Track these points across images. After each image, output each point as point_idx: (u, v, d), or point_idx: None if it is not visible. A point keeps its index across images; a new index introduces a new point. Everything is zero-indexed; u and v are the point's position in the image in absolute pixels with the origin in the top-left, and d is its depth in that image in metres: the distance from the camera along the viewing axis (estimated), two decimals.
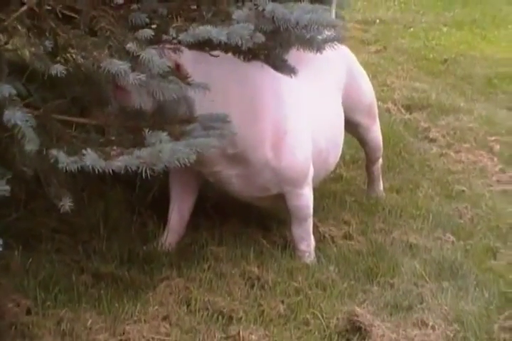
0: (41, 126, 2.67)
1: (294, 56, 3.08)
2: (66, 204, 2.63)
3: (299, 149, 3.31)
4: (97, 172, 2.50)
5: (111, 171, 2.52)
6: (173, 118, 2.88)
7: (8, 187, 2.33)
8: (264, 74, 3.18)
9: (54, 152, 2.55)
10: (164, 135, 2.64)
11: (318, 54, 3.05)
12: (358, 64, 3.96)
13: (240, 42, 2.73)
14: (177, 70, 2.86)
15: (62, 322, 2.73)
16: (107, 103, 3.05)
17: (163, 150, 2.55)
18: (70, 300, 2.85)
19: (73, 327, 2.72)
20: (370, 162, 4.15)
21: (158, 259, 3.22)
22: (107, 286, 2.97)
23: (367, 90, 3.97)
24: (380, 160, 4.17)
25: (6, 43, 2.97)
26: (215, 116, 2.87)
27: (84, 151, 2.52)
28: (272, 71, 3.10)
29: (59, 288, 2.91)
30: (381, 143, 4.10)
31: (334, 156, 3.65)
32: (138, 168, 2.53)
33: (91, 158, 2.50)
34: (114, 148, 2.66)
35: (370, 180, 4.17)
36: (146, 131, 2.67)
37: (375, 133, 4.03)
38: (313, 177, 3.41)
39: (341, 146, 3.72)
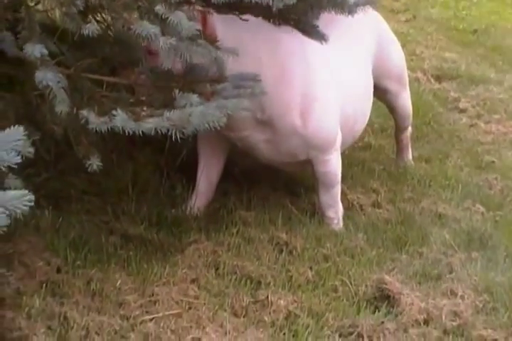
0: (72, 86, 2.65)
1: (324, 21, 3.03)
2: (94, 163, 2.61)
3: (327, 116, 3.28)
4: (127, 133, 2.48)
5: (141, 133, 2.49)
6: (203, 78, 2.84)
7: (32, 149, 2.28)
8: (293, 39, 3.13)
9: (84, 112, 2.52)
10: (195, 97, 2.61)
11: (348, 19, 3.00)
12: (388, 30, 3.90)
13: (270, 3, 2.68)
14: (203, 25, 2.84)
15: (92, 281, 2.73)
16: (137, 63, 3.01)
17: (193, 113, 2.52)
18: (99, 261, 2.85)
19: (102, 287, 2.72)
20: (399, 130, 4.11)
21: (186, 223, 3.21)
22: (135, 248, 2.97)
23: (397, 57, 3.92)
24: (410, 129, 4.13)
25: (37, 4, 2.95)
26: (246, 75, 2.84)
27: (114, 112, 2.49)
28: (301, 37, 3.06)
29: (88, 248, 2.90)
30: (410, 111, 4.05)
31: (361, 123, 3.62)
32: (168, 130, 2.51)
33: (121, 119, 2.48)
34: (144, 108, 2.63)
35: (399, 149, 4.13)
36: (177, 91, 2.64)
37: (405, 100, 3.99)
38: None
39: (368, 114, 3.69)
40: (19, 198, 1.82)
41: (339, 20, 3.07)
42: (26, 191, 1.84)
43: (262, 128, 3.19)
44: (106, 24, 3.56)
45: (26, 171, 3.05)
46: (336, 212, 3.42)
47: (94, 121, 2.50)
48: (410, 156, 4.15)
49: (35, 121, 2.81)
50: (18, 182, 2.28)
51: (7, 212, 1.78)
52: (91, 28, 2.58)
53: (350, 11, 3.20)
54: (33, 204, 1.85)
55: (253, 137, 3.23)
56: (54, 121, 2.81)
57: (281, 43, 3.17)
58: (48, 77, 2.47)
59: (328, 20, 3.03)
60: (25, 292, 2.60)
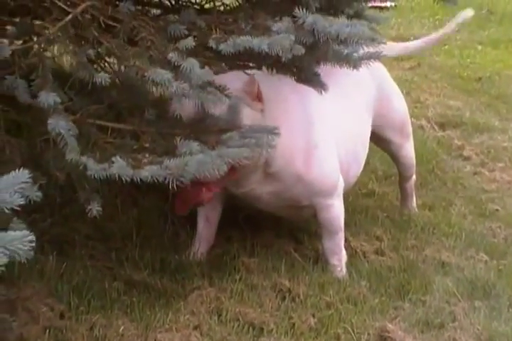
0: (78, 131, 2.69)
1: (323, 71, 3.09)
2: (94, 208, 2.63)
3: (328, 161, 3.34)
4: (124, 181, 2.50)
5: (138, 180, 2.51)
6: (211, 128, 2.88)
7: (39, 193, 2.31)
8: (292, 88, 3.20)
9: (84, 159, 2.55)
10: (195, 145, 2.63)
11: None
12: (390, 80, 3.94)
13: (280, 53, 2.74)
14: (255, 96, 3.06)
15: (95, 327, 2.74)
16: (143, 109, 3.06)
17: (190, 161, 2.54)
18: (102, 306, 2.86)
19: (105, 333, 2.73)
20: (402, 179, 4.14)
21: (189, 269, 3.22)
22: (139, 294, 2.98)
23: (399, 107, 3.95)
24: (414, 177, 4.15)
25: (45, 50, 3.00)
26: (262, 128, 2.86)
27: (113, 159, 2.52)
28: (299, 87, 3.13)
29: (92, 293, 2.92)
30: (414, 160, 4.08)
31: (355, 170, 3.64)
32: (165, 178, 2.53)
33: (118, 166, 2.50)
34: (146, 155, 2.66)
35: (403, 197, 4.16)
36: (178, 139, 2.67)
37: (408, 150, 4.02)
38: None
39: (363, 162, 3.72)
40: (20, 239, 1.82)
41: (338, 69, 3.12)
42: (27, 232, 1.85)
43: (268, 181, 3.24)
44: (114, 71, 3.63)
45: (32, 216, 3.10)
46: (339, 259, 3.43)
47: (93, 167, 2.52)
48: (414, 204, 4.17)
49: (40, 166, 2.84)
50: (23, 226, 2.29)
51: (7, 252, 1.79)
52: (103, 77, 2.64)
53: (356, 64, 3.26)
54: (33, 245, 1.85)
55: (257, 190, 3.27)
56: (57, 166, 2.84)
57: (282, 94, 3.23)
58: (60, 125, 2.52)
59: (326, 69, 3.08)
60: (28, 338, 2.61)
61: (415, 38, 8.08)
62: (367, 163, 4.61)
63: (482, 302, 3.27)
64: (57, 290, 2.89)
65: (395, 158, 4.07)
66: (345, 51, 3.13)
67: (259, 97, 3.09)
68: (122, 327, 2.76)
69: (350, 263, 3.48)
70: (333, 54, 3.12)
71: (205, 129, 2.86)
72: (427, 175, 4.61)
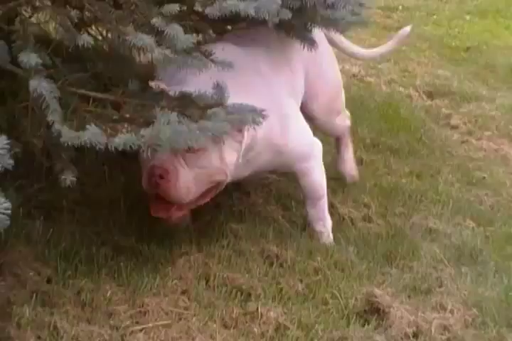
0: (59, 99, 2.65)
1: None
2: (69, 178, 2.59)
3: (300, 126, 3.32)
4: (97, 148, 2.45)
5: (112, 148, 2.47)
6: (198, 103, 2.83)
7: (11, 161, 2.24)
8: (257, 73, 3.21)
9: (57, 126, 2.50)
10: (175, 115, 2.59)
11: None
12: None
13: (267, 17, 2.71)
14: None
15: (82, 292, 2.74)
16: (128, 80, 3.02)
17: (164, 130, 2.50)
18: (90, 271, 2.85)
19: (93, 297, 2.73)
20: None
21: (177, 234, 3.22)
22: (126, 259, 2.97)
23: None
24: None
25: (31, 17, 2.96)
26: (249, 107, 2.77)
27: (87, 126, 2.48)
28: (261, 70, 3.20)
29: (79, 258, 2.91)
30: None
31: None
32: (139, 146, 2.50)
33: (91, 133, 2.45)
34: (125, 125, 2.63)
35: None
36: (158, 109, 2.64)
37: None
38: None
39: None
40: None
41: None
42: (3, 199, 1.82)
43: (249, 164, 3.12)
44: (101, 37, 3.58)
45: (19, 182, 3.08)
46: (324, 225, 3.43)
47: (67, 134, 2.47)
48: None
49: (17, 134, 2.79)
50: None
51: None
52: (86, 39, 2.59)
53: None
54: (9, 212, 1.83)
55: (239, 174, 3.15)
56: (34, 134, 2.79)
57: (248, 79, 3.15)
58: (42, 86, 2.47)
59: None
60: (16, 301, 2.60)
61: (404, 9, 8.12)
62: (355, 131, 4.63)
63: (469, 267, 3.30)
64: (45, 255, 2.88)
65: None
66: (333, 16, 3.12)
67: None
68: (110, 292, 2.76)
69: (337, 230, 3.49)
70: (321, 18, 3.11)
71: (191, 104, 2.82)
72: (414, 144, 4.61)
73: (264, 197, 3.73)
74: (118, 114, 2.74)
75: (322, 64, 3.67)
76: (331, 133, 3.98)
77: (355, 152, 4.35)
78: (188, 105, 2.78)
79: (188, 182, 2.88)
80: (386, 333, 2.77)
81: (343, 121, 3.94)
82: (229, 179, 3.03)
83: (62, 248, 2.95)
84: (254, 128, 2.85)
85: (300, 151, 3.30)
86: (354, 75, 5.83)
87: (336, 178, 3.96)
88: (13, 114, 2.83)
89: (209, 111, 2.71)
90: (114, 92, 2.81)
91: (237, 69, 2.82)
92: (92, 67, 3.11)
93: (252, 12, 2.65)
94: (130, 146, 2.47)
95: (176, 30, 2.58)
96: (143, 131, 2.50)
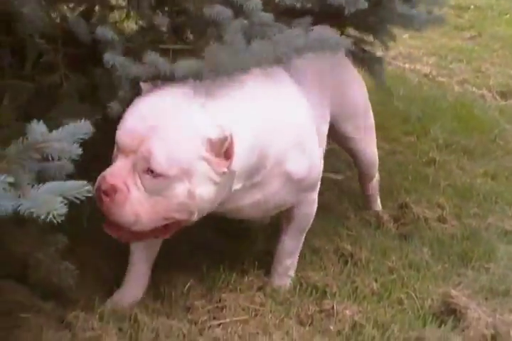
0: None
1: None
2: None
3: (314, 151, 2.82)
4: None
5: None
6: None
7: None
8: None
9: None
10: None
11: None
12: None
13: (344, 3, 2.70)
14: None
15: (161, 285, 2.78)
16: None
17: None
18: (167, 266, 2.88)
19: (171, 291, 2.77)
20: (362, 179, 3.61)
21: (253, 232, 3.24)
22: (203, 255, 3.00)
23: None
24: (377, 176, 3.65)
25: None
26: None
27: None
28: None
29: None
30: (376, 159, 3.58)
31: None
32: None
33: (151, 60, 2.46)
34: None
35: (366, 199, 3.64)
36: None
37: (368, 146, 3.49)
38: None
39: None
40: (78, 188, 1.84)
41: None
42: (85, 181, 1.86)
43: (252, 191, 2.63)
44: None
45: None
46: (292, 263, 2.97)
47: None
48: (380, 205, 3.63)
49: (96, 101, 2.79)
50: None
51: (65, 202, 1.80)
52: None
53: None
54: (91, 194, 1.86)
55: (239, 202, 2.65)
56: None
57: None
58: (115, 59, 2.47)
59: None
60: (98, 294, 2.66)
61: (476, 8, 8.00)
62: (427, 131, 4.60)
63: None
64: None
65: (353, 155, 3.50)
66: (411, 12, 3.10)
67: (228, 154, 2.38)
68: (187, 286, 2.79)
69: (412, 230, 3.46)
70: (398, 14, 3.09)
71: None
72: (488, 144, 4.55)
73: (337, 195, 3.73)
74: None
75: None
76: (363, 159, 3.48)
77: (427, 152, 4.32)
78: None
79: (137, 209, 2.31)
80: (463, 334, 2.74)
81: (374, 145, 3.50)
82: (195, 218, 2.45)
83: None
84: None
85: (311, 178, 2.79)
86: (425, 75, 5.78)
87: (407, 179, 3.95)
88: (92, 81, 2.84)
89: None
90: None
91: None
92: None
93: None
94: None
95: (255, 3, 2.55)
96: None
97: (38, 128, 1.99)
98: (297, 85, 2.77)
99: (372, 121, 3.44)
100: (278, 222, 3.14)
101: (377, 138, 3.53)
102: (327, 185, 3.70)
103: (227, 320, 2.66)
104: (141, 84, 2.46)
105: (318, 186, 2.90)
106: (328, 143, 3.18)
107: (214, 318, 2.67)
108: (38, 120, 2.00)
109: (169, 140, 2.32)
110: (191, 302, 2.72)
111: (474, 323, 2.79)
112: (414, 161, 4.23)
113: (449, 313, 2.86)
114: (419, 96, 5.15)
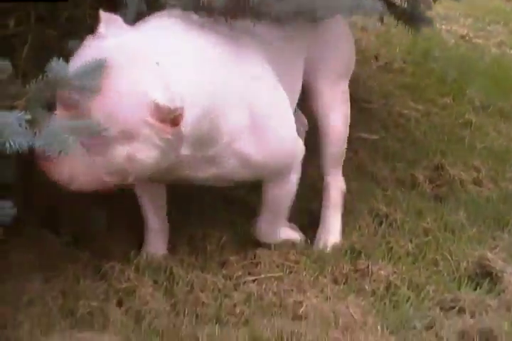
0: None
1: None
2: None
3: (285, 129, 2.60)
4: None
5: None
6: None
7: None
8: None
9: None
10: None
11: None
12: None
13: None
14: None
15: (196, 237, 2.77)
16: None
17: None
18: (201, 220, 2.87)
19: (206, 245, 2.76)
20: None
21: None
22: (238, 210, 2.98)
23: None
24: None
25: None
26: None
27: None
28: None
29: (191, 207, 2.93)
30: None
31: None
32: None
33: None
34: None
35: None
36: None
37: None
38: None
39: None
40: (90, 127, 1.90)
41: None
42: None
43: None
44: None
45: None
46: (275, 239, 2.82)
47: None
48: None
49: None
50: None
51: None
52: None
53: None
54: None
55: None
56: None
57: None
58: None
59: None
60: (133, 245, 2.65)
61: None
62: (464, 93, 4.52)
63: None
64: None
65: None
66: None
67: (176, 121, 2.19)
68: (222, 241, 2.78)
69: (447, 191, 3.42)
70: None
71: None
72: None
73: (371, 155, 3.69)
74: None
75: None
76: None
77: (464, 114, 4.25)
78: None
79: (74, 167, 2.17)
80: (499, 298, 2.70)
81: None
82: (130, 181, 2.28)
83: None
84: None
85: (278, 163, 2.59)
86: (462, 36, 5.68)
87: (443, 140, 3.89)
88: None
89: None
90: None
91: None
92: None
93: None
94: None
95: None
96: None
97: (57, 65, 1.96)
98: (263, 53, 2.54)
99: (347, 90, 2.97)
100: (314, 178, 3.12)
101: (412, 98, 3.48)
102: (361, 144, 3.66)
103: (262, 276, 2.65)
104: (101, 13, 2.24)
105: (296, 168, 2.66)
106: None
107: (249, 274, 2.66)
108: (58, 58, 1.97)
109: (112, 99, 2.12)
110: (226, 258, 2.71)
111: (510, 287, 2.75)
112: (450, 123, 4.16)
113: (485, 276, 2.82)
114: (456, 58, 5.06)
